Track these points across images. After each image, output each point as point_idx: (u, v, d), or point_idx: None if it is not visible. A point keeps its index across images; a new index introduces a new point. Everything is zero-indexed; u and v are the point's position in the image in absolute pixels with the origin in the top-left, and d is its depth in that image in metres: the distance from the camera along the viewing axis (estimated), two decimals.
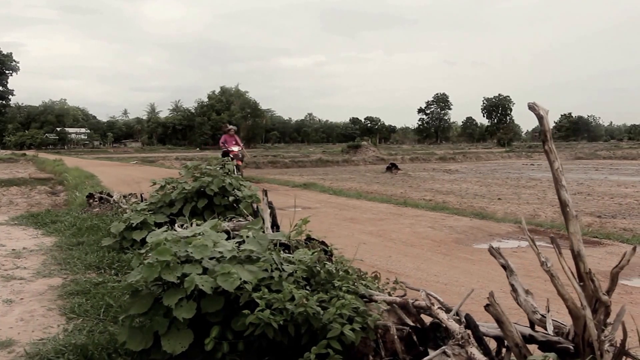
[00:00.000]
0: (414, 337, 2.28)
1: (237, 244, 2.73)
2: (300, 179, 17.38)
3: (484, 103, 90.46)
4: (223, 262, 2.61)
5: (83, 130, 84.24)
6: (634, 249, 1.62)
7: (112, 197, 8.63)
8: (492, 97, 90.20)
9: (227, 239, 3.04)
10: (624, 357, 1.73)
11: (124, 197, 8.27)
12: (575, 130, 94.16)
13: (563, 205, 1.71)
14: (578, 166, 28.37)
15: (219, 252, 2.63)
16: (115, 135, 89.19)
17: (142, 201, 6.81)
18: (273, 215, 3.87)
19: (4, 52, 63.34)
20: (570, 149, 48.83)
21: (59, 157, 35.36)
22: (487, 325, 2.19)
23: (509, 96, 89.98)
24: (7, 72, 63.14)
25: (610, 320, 1.88)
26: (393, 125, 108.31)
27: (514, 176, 20.85)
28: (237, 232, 3.48)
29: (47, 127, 78.88)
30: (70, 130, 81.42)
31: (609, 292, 1.64)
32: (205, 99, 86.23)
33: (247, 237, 2.85)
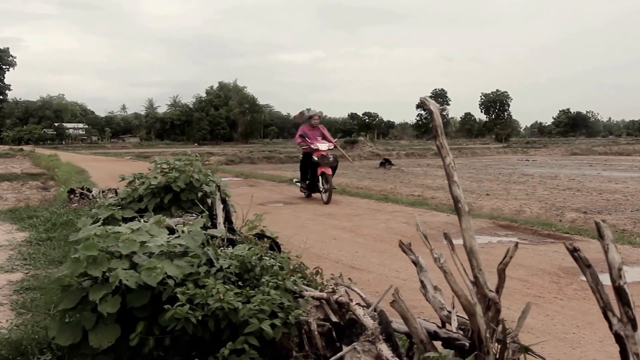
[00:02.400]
0: (334, 333, 2.28)
1: (167, 240, 2.72)
2: (289, 174, 17.36)
3: (481, 99, 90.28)
4: (153, 257, 2.61)
5: (81, 125, 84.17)
6: (516, 246, 1.61)
7: (91, 192, 8.63)
8: (490, 92, 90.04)
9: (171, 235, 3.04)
10: (520, 353, 1.72)
11: (102, 192, 8.26)
12: (573, 126, 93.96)
13: (455, 201, 1.70)
14: (573, 162, 28.34)
15: (149, 247, 2.61)
16: (113, 130, 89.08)
17: (117, 196, 6.80)
18: (226, 211, 3.85)
19: (1, 47, 63.26)
20: (568, 144, 48.74)
21: (54, 152, 35.40)
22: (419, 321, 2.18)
23: (506, 92, 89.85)
24: (3, 67, 63.04)
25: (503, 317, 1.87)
26: (392, 120, 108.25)
27: (506, 172, 20.82)
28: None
29: (45, 123, 78.81)
30: (68, 125, 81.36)
31: (499, 289, 1.63)
32: (204, 95, 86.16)
33: (182, 232, 2.84)
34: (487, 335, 1.54)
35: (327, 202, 9.34)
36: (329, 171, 9.51)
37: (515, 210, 9.44)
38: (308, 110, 10.69)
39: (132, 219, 4.98)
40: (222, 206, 3.83)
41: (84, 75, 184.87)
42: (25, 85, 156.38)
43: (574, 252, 1.29)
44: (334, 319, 2.39)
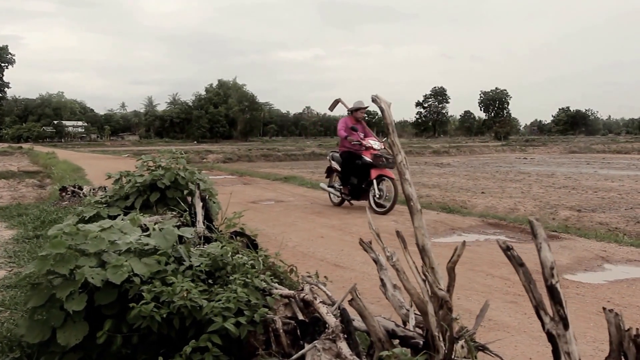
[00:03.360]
0: (298, 332, 2.27)
1: (137, 238, 2.72)
2: (285, 172, 17.35)
3: (481, 97, 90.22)
4: (125, 255, 2.60)
5: (80, 123, 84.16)
6: (464, 244, 1.60)
7: (82, 190, 8.62)
8: (489, 90, 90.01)
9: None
10: (477, 351, 1.72)
11: (93, 190, 8.26)
12: (573, 124, 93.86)
13: (407, 199, 1.69)
14: (571, 160, 28.32)
15: (119, 245, 2.61)
16: (112, 128, 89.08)
17: (105, 194, 6.80)
18: (206, 209, 3.85)
19: (1, 45, 63.20)
20: (567, 142, 48.69)
21: (53, 150, 35.36)
22: (378, 319, 2.18)
23: (505, 90, 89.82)
24: (2, 64, 63.00)
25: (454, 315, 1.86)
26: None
27: (503, 170, 20.80)
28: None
29: (45, 120, 78.80)
30: (68, 123, 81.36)
31: (449, 287, 1.62)
32: (203, 92, 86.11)
33: (154, 230, 2.84)
34: (436, 333, 1.54)
35: (386, 213, 7.81)
36: (391, 174, 8.00)
37: (509, 209, 9.42)
38: (339, 102, 8.89)
39: (117, 217, 4.99)
40: (201, 204, 3.83)
41: (83, 73, 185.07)
42: (25, 83, 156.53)
43: (507, 250, 1.28)
44: (301, 317, 2.39)
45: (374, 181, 8.05)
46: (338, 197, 8.77)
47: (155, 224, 3.05)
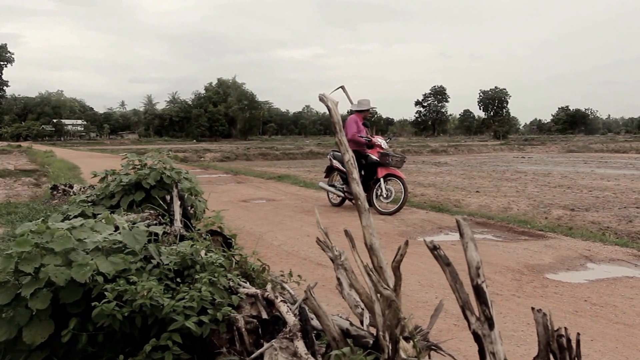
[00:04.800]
0: (260, 330, 2.27)
1: (105, 237, 2.72)
2: (281, 171, 17.34)
3: (480, 96, 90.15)
4: (92, 254, 2.60)
5: (79, 121, 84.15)
6: (407, 243, 1.60)
7: (72, 188, 8.63)
8: (489, 90, 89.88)
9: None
10: (428, 350, 1.72)
11: (82, 188, 8.26)
12: (572, 123, 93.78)
13: (355, 198, 1.69)
14: (568, 159, 28.30)
15: (86, 243, 2.61)
16: (112, 126, 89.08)
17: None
18: (184, 207, 3.85)
19: (0, 43, 63.19)
20: (566, 142, 48.67)
21: (51, 148, 35.39)
22: (334, 318, 2.18)
23: (505, 89, 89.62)
24: (1, 63, 62.99)
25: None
26: (391, 117, 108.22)
27: (500, 169, 20.80)
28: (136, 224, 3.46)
29: (44, 119, 78.83)
30: (67, 121, 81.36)
31: (396, 286, 1.62)
32: (203, 91, 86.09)
33: (123, 229, 2.84)
34: (381, 332, 1.54)
35: (394, 213, 7.61)
36: (400, 174, 7.85)
37: (502, 208, 9.42)
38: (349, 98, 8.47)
39: None
40: (179, 203, 3.83)
41: (83, 71, 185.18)
42: (25, 81, 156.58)
43: (433, 250, 1.28)
44: (265, 315, 2.39)
45: (381, 180, 7.90)
46: (339, 196, 8.61)
47: (126, 223, 3.05)
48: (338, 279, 1.94)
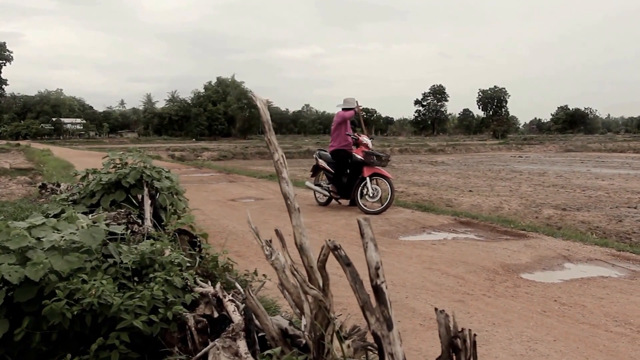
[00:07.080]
0: (209, 329, 2.28)
1: (62, 236, 2.72)
2: (272, 170, 17.32)
3: (479, 95, 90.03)
4: (49, 253, 2.61)
5: (79, 120, 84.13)
6: (332, 245, 1.59)
7: (59, 187, 8.63)
8: (488, 89, 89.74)
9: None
10: (362, 351, 1.72)
11: (69, 187, 8.26)
12: (571, 122, 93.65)
13: (285, 198, 1.70)
14: (565, 159, 28.30)
15: (43, 242, 2.62)
16: (111, 125, 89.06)
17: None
18: (154, 206, 3.85)
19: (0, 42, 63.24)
20: (564, 141, 48.63)
21: (49, 147, 35.38)
22: (276, 318, 2.18)
23: (504, 88, 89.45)
24: (0, 62, 63.02)
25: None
26: (390, 117, 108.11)
27: (496, 168, 20.79)
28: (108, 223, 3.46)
29: (43, 118, 78.80)
30: (66, 120, 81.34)
31: (324, 286, 1.62)
32: (202, 90, 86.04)
33: (82, 227, 2.84)
34: (307, 332, 1.54)
35: (380, 213, 7.56)
36: (386, 173, 7.83)
37: (494, 207, 9.43)
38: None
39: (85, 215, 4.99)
40: (149, 202, 3.84)
41: (82, 70, 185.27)
42: (24, 80, 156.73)
43: (334, 250, 1.29)
44: (216, 314, 2.40)
45: (367, 179, 7.87)
46: (325, 196, 8.59)
47: (86, 222, 3.05)
48: (280, 279, 1.94)
